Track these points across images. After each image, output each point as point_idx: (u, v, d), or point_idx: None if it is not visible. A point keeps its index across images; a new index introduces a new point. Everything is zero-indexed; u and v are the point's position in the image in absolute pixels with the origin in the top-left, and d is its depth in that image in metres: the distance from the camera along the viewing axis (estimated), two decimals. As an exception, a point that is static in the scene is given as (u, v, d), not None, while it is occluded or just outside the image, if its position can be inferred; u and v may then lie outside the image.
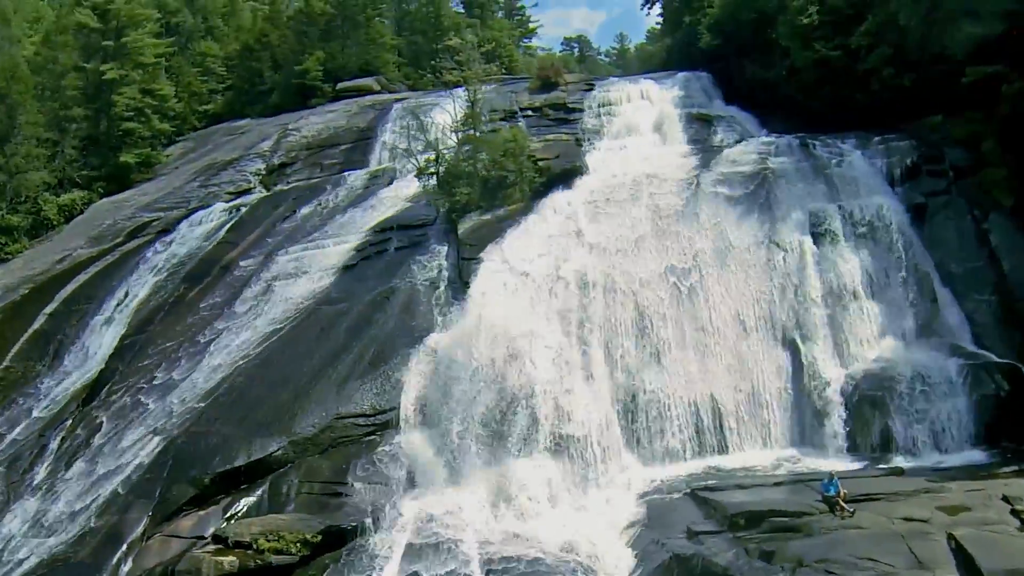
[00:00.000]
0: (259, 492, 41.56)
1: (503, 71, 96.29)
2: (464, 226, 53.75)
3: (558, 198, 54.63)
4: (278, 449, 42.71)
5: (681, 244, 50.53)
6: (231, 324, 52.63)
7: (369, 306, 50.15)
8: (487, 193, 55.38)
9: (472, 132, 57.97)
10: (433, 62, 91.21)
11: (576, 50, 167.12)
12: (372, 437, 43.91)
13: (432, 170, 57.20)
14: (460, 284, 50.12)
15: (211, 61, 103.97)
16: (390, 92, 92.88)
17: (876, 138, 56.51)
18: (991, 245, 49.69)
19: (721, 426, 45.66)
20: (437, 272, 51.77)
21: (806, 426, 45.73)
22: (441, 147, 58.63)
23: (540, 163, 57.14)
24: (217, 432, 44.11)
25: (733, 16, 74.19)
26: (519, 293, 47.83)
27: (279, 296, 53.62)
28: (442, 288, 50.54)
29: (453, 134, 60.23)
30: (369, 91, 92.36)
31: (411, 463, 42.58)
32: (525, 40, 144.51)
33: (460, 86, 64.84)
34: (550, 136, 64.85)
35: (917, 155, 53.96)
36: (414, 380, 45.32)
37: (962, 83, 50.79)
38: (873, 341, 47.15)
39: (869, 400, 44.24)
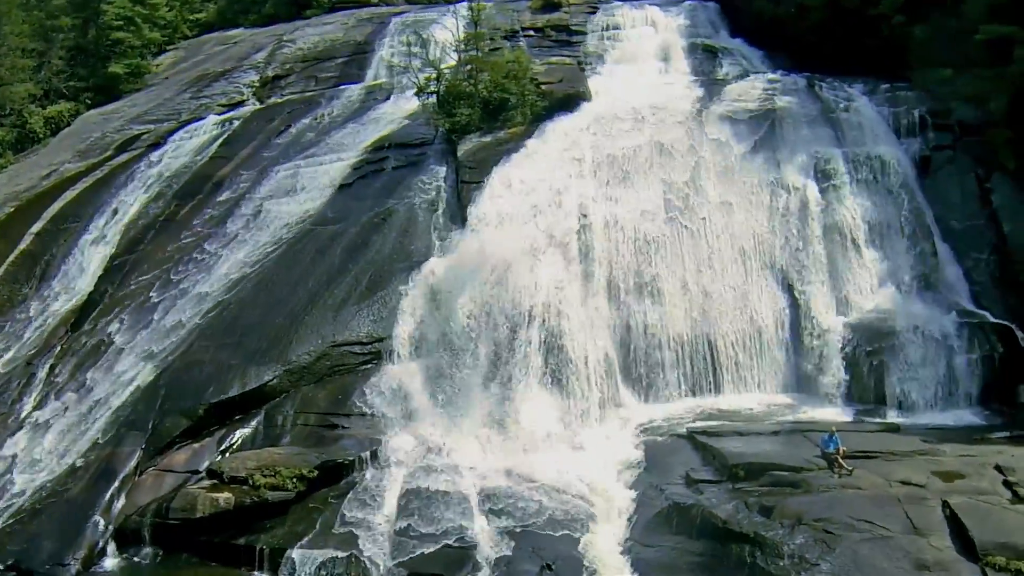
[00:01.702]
0: (254, 423, 41.17)
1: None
2: (464, 148, 52.82)
3: (560, 124, 53.79)
4: (273, 378, 42.14)
5: (683, 179, 49.90)
6: (224, 244, 51.66)
7: (366, 228, 49.36)
8: (488, 115, 54.51)
9: (474, 53, 56.77)
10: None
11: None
12: (368, 366, 43.31)
13: (432, 89, 56.20)
14: (459, 208, 49.36)
15: None
16: (388, 4, 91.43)
17: (884, 86, 56.12)
18: (993, 205, 49.49)
19: (718, 366, 45.57)
20: (435, 194, 50.91)
21: (802, 372, 45.66)
22: (442, 66, 57.60)
23: (543, 87, 56.30)
24: (211, 359, 43.39)
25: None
26: (519, 220, 47.16)
27: (273, 215, 52.65)
28: (441, 211, 49.73)
29: (454, 52, 59.28)
30: (367, 3, 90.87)
31: (407, 394, 42.10)
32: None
33: (461, 0, 63.68)
34: (552, 59, 64.12)
35: (925, 108, 53.36)
36: (411, 307, 44.73)
37: (975, 40, 49.90)
38: (872, 291, 47.06)
39: (866, 352, 44.13)
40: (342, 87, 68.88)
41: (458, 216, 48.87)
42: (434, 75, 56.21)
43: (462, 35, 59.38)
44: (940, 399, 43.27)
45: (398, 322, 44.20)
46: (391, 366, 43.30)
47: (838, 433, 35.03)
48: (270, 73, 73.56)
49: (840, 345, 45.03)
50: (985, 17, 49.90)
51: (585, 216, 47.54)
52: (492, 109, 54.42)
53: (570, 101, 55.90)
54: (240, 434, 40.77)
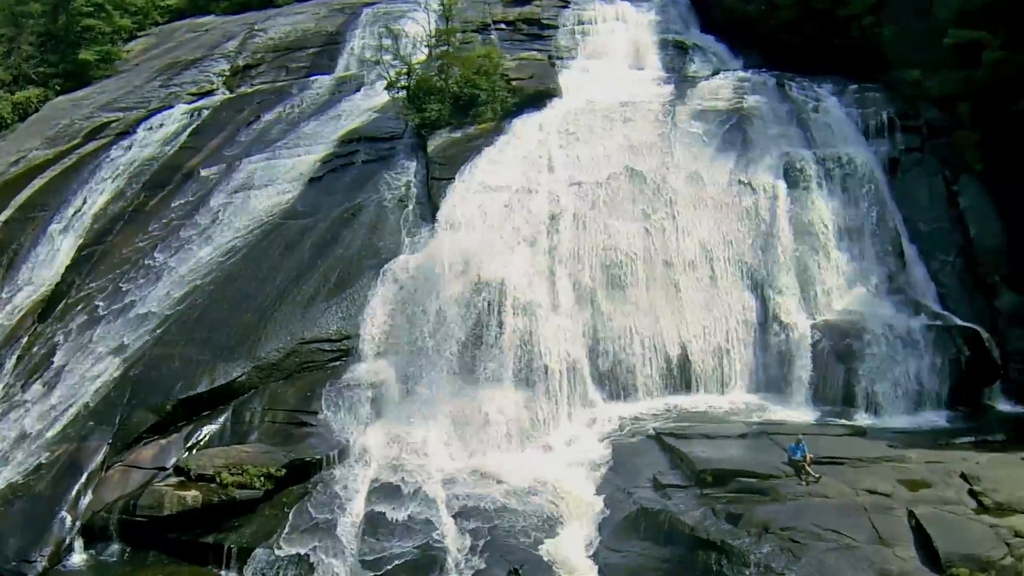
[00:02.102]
0: (221, 419, 41.09)
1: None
2: (434, 143, 52.73)
3: (530, 121, 53.88)
4: (241, 375, 42.11)
5: (653, 178, 49.99)
6: (193, 236, 51.30)
7: (336, 223, 49.26)
8: (458, 110, 54.40)
9: (446, 48, 56.61)
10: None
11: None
12: (337, 363, 43.32)
13: (403, 83, 55.91)
14: (428, 205, 49.33)
15: None
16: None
17: (853, 86, 56.45)
18: (960, 207, 50.09)
19: (685, 366, 45.63)
20: (405, 190, 50.79)
21: (770, 373, 45.90)
22: (412, 60, 57.50)
23: (513, 83, 56.26)
24: (179, 355, 43.29)
25: (719, -56, 72.96)
26: (489, 219, 47.29)
27: (243, 207, 52.40)
28: (410, 207, 49.63)
29: (425, 47, 59.34)
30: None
31: (376, 392, 42.10)
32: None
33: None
34: (523, 54, 63.71)
35: (893, 109, 53.85)
36: (380, 304, 44.72)
37: (944, 43, 50.13)
38: (840, 292, 47.46)
39: (834, 353, 44.46)
40: (312, 78, 68.40)
41: (427, 213, 48.78)
42: (405, 70, 55.77)
43: (433, 30, 59.04)
44: (907, 401, 43.65)
45: (367, 320, 44.18)
46: (360, 364, 43.24)
47: (805, 439, 35.29)
48: (241, 62, 72.85)
49: (808, 346, 45.23)
50: (954, 20, 50.13)
51: (555, 215, 47.68)
52: (462, 105, 54.28)
53: (540, 98, 56.04)
54: (208, 430, 40.68)
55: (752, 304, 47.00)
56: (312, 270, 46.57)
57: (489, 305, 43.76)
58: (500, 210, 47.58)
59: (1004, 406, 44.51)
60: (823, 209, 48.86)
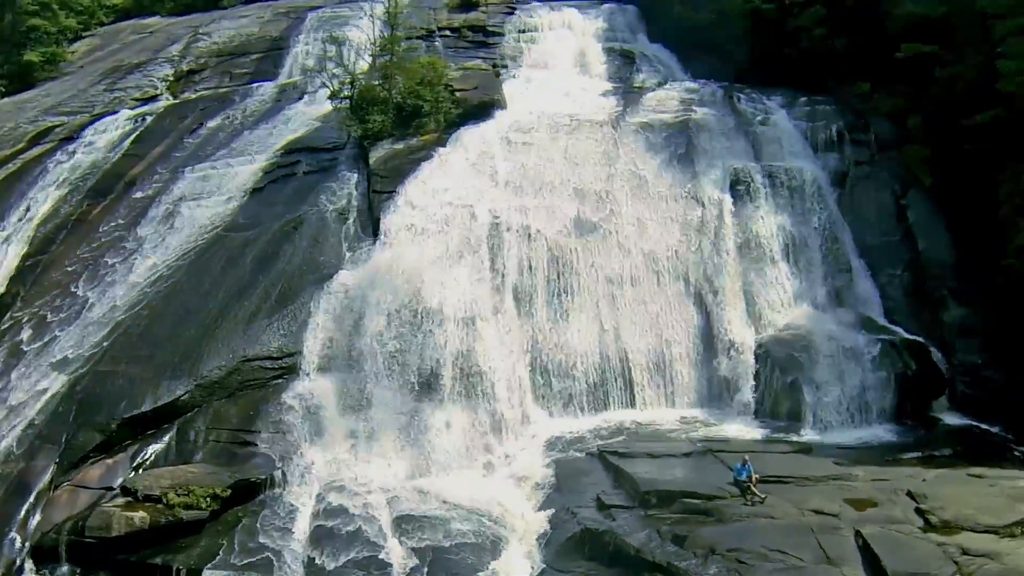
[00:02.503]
0: (166, 438, 40.45)
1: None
2: (375, 155, 52.24)
3: (474, 132, 53.41)
4: (185, 393, 41.50)
5: (598, 190, 49.82)
6: (136, 247, 50.67)
7: (277, 236, 48.62)
8: (401, 121, 53.98)
9: (390, 58, 55.98)
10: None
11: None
12: (279, 381, 42.78)
13: (346, 94, 55.30)
14: (370, 218, 48.80)
15: None
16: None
17: (802, 98, 56.56)
18: (908, 221, 50.19)
19: (629, 380, 45.32)
20: (347, 202, 50.14)
21: (714, 388, 45.74)
22: (356, 70, 56.97)
23: (457, 93, 55.90)
24: (123, 372, 42.69)
25: (667, -47, 72.85)
26: (430, 232, 46.93)
27: (185, 218, 51.73)
28: (351, 220, 48.99)
29: (369, 56, 58.88)
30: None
31: (319, 410, 41.57)
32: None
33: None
34: (468, 63, 63.55)
35: (842, 122, 54.01)
36: (321, 321, 44.12)
37: (896, 57, 50.46)
38: (786, 306, 47.41)
39: (780, 368, 44.33)
40: (256, 84, 67.84)
41: (369, 226, 48.35)
42: (348, 79, 55.21)
43: (377, 38, 58.53)
44: (853, 416, 43.52)
45: (309, 336, 43.61)
46: (302, 381, 42.72)
47: (751, 457, 35.09)
48: (184, 67, 72.16)
49: (753, 361, 45.16)
50: (906, 34, 50.04)
51: (497, 229, 47.30)
52: (405, 116, 53.91)
53: (484, 109, 55.60)
54: (153, 450, 40.04)
55: (697, 318, 46.84)
56: (254, 285, 45.95)
57: (430, 321, 43.36)
58: (442, 224, 47.19)
59: (951, 419, 44.40)
60: (770, 223, 48.78)
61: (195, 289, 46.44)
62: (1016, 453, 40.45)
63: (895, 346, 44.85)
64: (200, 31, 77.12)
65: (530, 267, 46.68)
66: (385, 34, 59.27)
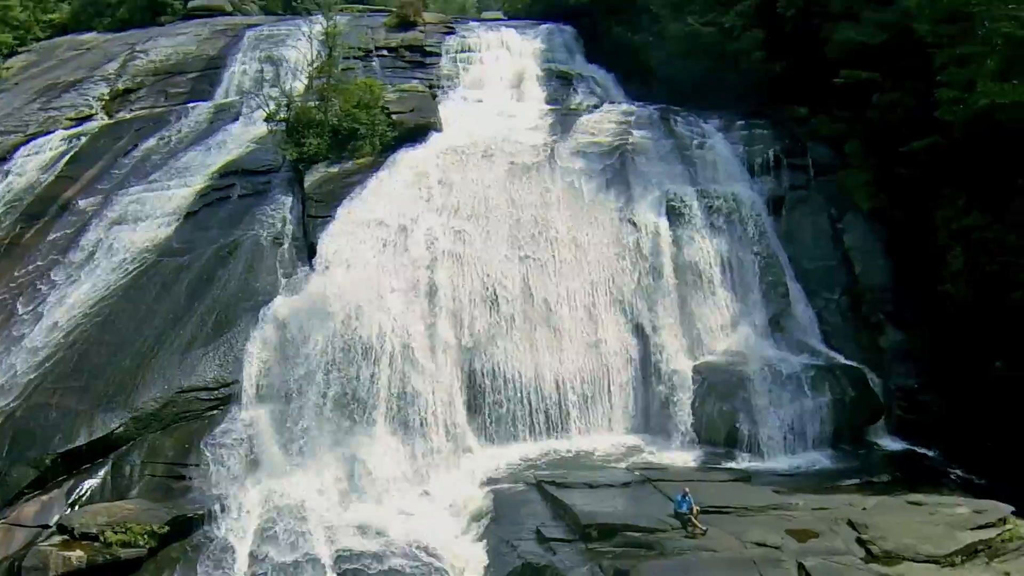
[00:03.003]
0: (101, 473, 39.54)
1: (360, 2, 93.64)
2: (310, 178, 51.61)
3: (410, 156, 52.92)
4: (119, 426, 40.60)
5: (534, 215, 49.71)
6: (70, 273, 49.63)
7: (212, 261, 47.86)
8: (336, 144, 53.32)
9: (327, 80, 55.47)
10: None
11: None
12: (214, 412, 42.02)
13: (282, 116, 54.51)
14: (305, 243, 48.22)
15: None
16: (243, 14, 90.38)
17: (740, 122, 56.99)
18: (845, 246, 50.71)
19: (567, 407, 45.34)
20: (281, 226, 49.43)
21: (652, 414, 45.95)
22: (293, 92, 56.15)
23: (394, 116, 55.34)
24: (57, 404, 41.60)
25: (607, -27, 72.93)
26: (366, 259, 46.39)
27: (119, 243, 50.66)
28: (286, 246, 48.32)
29: (305, 76, 58.42)
30: (221, 11, 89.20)
31: (255, 442, 40.97)
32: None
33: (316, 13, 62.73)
34: (405, 84, 62.98)
35: (779, 146, 54.58)
36: (257, 351, 43.36)
37: (834, 83, 50.71)
38: (724, 331, 47.77)
39: (717, 395, 44.60)
40: (192, 104, 66.69)
41: (304, 251, 47.76)
42: (284, 102, 54.46)
43: (314, 57, 58.11)
44: (791, 442, 43.84)
45: (244, 367, 42.83)
46: (239, 413, 41.98)
47: (690, 487, 35.17)
48: (120, 86, 70.89)
49: (690, 387, 45.30)
50: (844, 60, 50.48)
51: (433, 255, 46.97)
52: (341, 138, 53.27)
53: (421, 131, 55.12)
54: (89, 485, 39.10)
55: (634, 344, 46.96)
56: (189, 313, 45.20)
57: (366, 349, 42.96)
58: (377, 250, 46.76)
59: (888, 443, 45.15)
60: (706, 248, 49.07)
61: (130, 317, 45.58)
62: (952, 477, 41.07)
63: (832, 372, 45.25)
64: (137, 49, 75.84)
65: (466, 293, 46.31)
66: (323, 54, 58.56)
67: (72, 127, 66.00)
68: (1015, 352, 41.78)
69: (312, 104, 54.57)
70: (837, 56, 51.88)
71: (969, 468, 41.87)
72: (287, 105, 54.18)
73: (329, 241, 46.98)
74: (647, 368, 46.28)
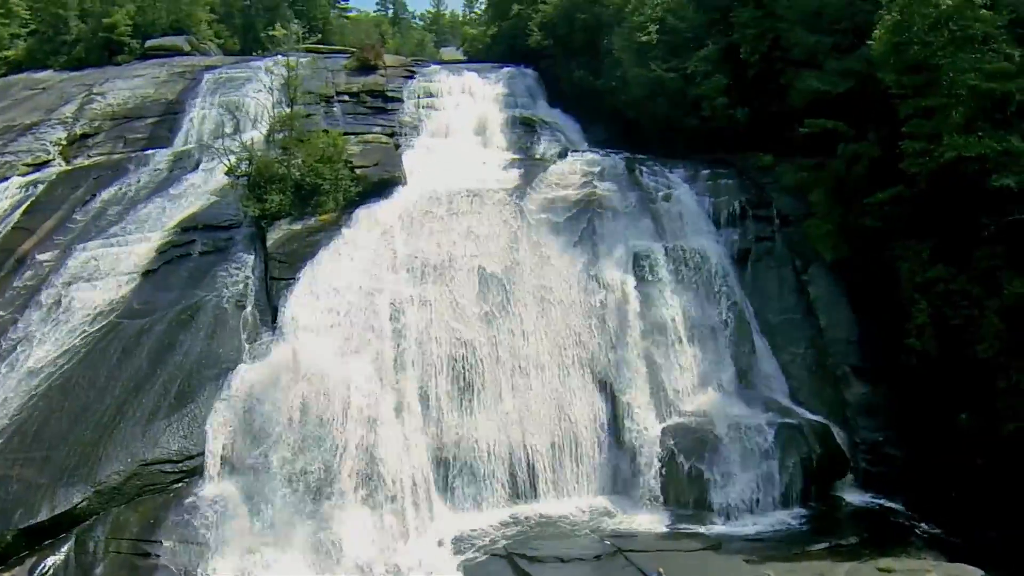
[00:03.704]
0: (64, 549, 38.75)
1: (316, 37, 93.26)
2: (273, 236, 50.88)
3: (373, 212, 52.47)
4: (82, 500, 39.85)
5: (500, 277, 49.55)
6: (28, 334, 48.66)
7: (173, 325, 47.12)
8: (299, 199, 52.64)
9: (289, 133, 54.94)
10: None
11: (391, 11, 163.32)
12: (180, 485, 41.40)
13: (243, 171, 53.88)
14: (268, 307, 47.61)
15: (14, 3, 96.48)
16: (201, 54, 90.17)
17: (704, 171, 57.04)
18: (810, 297, 50.74)
19: (535, 471, 45.17)
20: (244, 286, 48.71)
21: (621, 476, 45.83)
22: (253, 143, 55.64)
23: (357, 170, 54.79)
24: (18, 476, 40.84)
25: (567, 17, 72.90)
26: (330, 324, 45.96)
27: (78, 302, 49.73)
28: (249, 309, 47.52)
29: (266, 127, 58.10)
30: (179, 51, 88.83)
31: (223, 517, 40.21)
32: (341, 1, 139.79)
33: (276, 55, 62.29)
34: (368, 136, 62.55)
35: (745, 197, 54.55)
36: (222, 421, 42.69)
37: (798, 132, 50.63)
38: (691, 390, 47.80)
39: (686, 457, 44.47)
40: (150, 151, 65.89)
41: (268, 315, 47.12)
42: (246, 156, 53.85)
43: (274, 106, 57.63)
44: (759, 502, 43.84)
45: (209, 438, 42.12)
46: (204, 486, 41.31)
47: (661, 558, 36.04)
48: (78, 130, 69.81)
49: (658, 450, 45.12)
50: (809, 108, 50.58)
51: (399, 321, 46.56)
52: (304, 194, 52.61)
53: (385, 186, 54.76)
54: (52, 562, 38.35)
55: (602, 405, 46.93)
56: (151, 380, 44.46)
57: (332, 420, 42.36)
58: (342, 316, 46.21)
59: (854, 497, 45.35)
60: (673, 304, 49.19)
61: (91, 383, 44.76)
62: (919, 532, 41.25)
63: (799, 430, 45.35)
64: (94, 91, 74.95)
65: (432, 357, 46.14)
66: (283, 101, 58.06)
67: (29, 173, 64.97)
68: (979, 404, 41.97)
69: (274, 158, 53.84)
70: (801, 105, 51.70)
71: (935, 520, 42.19)
72: (248, 160, 53.42)
73: (292, 306, 46.34)
74: (616, 430, 46.30)
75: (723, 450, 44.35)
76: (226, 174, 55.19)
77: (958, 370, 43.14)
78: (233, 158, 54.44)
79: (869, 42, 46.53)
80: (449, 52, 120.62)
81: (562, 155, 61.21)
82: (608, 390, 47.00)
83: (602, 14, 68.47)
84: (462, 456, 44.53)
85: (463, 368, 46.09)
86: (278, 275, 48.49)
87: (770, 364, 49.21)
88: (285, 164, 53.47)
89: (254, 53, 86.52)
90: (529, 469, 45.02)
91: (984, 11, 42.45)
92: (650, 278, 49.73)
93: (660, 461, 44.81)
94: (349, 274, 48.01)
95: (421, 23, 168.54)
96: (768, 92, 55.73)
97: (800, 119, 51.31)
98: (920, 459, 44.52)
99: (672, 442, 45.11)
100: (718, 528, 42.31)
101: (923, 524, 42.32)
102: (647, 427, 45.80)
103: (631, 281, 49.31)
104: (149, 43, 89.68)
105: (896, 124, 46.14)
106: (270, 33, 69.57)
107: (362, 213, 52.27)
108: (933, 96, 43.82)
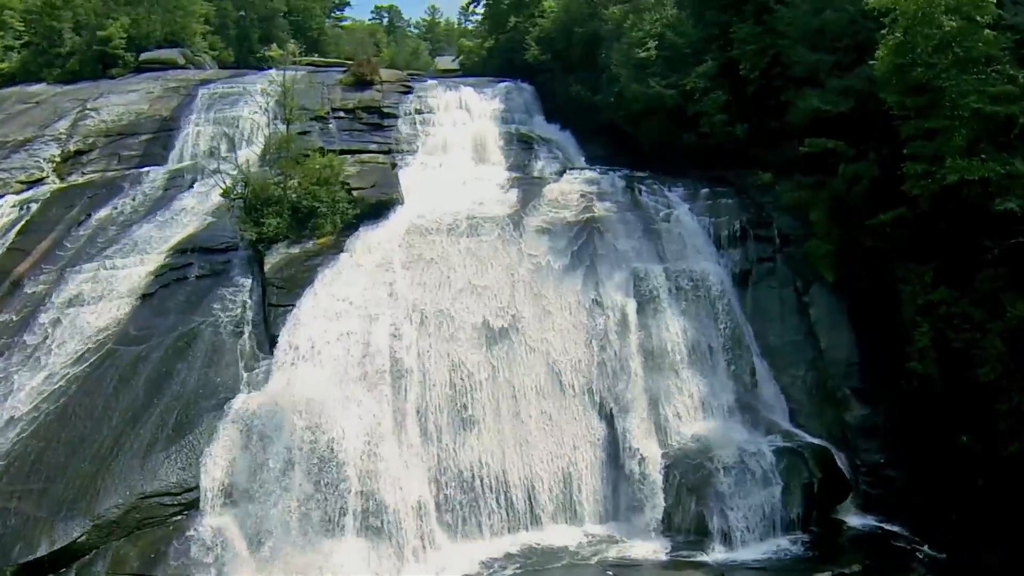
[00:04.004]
0: (64, 586, 38.34)
1: (312, 48, 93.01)
2: (271, 261, 50.59)
3: (372, 235, 52.23)
4: (82, 534, 39.42)
5: (501, 301, 49.08)
6: (24, 360, 48.23)
7: (170, 353, 46.71)
8: (296, 222, 52.40)
9: (285, 156, 54.54)
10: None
11: (386, 19, 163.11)
12: (179, 518, 40.97)
13: (239, 193, 53.54)
14: (266, 334, 47.35)
15: (8, 15, 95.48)
16: (196, 66, 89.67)
17: (704, 189, 56.74)
18: (811, 319, 50.24)
19: (535, 499, 44.88)
20: (241, 311, 48.43)
21: (621, 503, 45.43)
22: (248, 166, 55.51)
23: (354, 192, 54.58)
24: (16, 509, 40.42)
25: (565, 32, 72.68)
26: (328, 353, 45.65)
27: (74, 327, 49.32)
28: (247, 335, 47.30)
29: (262, 147, 57.73)
30: (173, 64, 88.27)
31: (224, 549, 39.89)
32: (336, 11, 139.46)
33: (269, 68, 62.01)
34: (365, 156, 62.15)
35: (745, 217, 53.99)
36: (221, 453, 42.36)
37: (799, 151, 50.24)
38: (691, 415, 47.22)
39: (687, 483, 44.11)
40: (145, 169, 65.45)
41: (265, 343, 46.84)
42: (242, 178, 53.55)
43: (270, 124, 57.16)
44: (760, 529, 43.40)
45: (208, 469, 41.85)
46: (205, 518, 40.93)
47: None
48: (72, 147, 69.23)
49: (659, 475, 44.90)
50: (810, 126, 50.21)
51: (398, 348, 46.27)
52: (301, 216, 52.38)
53: (382, 208, 54.43)
54: (54, 599, 37.92)
55: (602, 431, 46.56)
56: (148, 410, 44.13)
57: (331, 449, 42.22)
58: (340, 343, 45.92)
59: (855, 520, 45.05)
60: (674, 327, 48.59)
61: (88, 413, 44.38)
62: (920, 556, 41.17)
63: (800, 455, 44.97)
64: (88, 106, 74.36)
65: (432, 385, 45.88)
66: (279, 117, 57.91)
67: (23, 191, 64.62)
68: (979, 426, 41.60)
69: (270, 180, 53.50)
70: (801, 123, 51.27)
71: (937, 544, 41.98)
72: (244, 182, 53.09)
73: (291, 333, 46.15)
74: (616, 456, 45.88)
75: (724, 476, 43.98)
76: (222, 195, 54.87)
77: (959, 392, 42.74)
78: (228, 180, 54.02)
79: (872, 62, 45.88)
80: (444, 61, 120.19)
81: (560, 173, 61.22)
82: (608, 416, 46.72)
83: (600, 28, 67.78)
84: (462, 486, 44.25)
85: (463, 397, 45.86)
86: (276, 301, 48.24)
87: (770, 387, 48.89)
88: (281, 186, 53.08)
89: (249, 64, 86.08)
90: (530, 496, 44.69)
91: (988, 32, 41.95)
92: (651, 301, 49.33)
93: (661, 488, 44.59)
94: (347, 302, 47.74)
95: (416, 31, 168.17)
96: (768, 108, 55.06)
97: (800, 136, 50.78)
98: (921, 481, 44.29)
99: (673, 468, 44.86)
100: (720, 555, 42.03)
101: (925, 547, 42.09)
102: (647, 453, 45.37)
103: (632, 304, 48.96)
104: (144, 56, 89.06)
105: (896, 143, 45.50)
106: (267, 53, 69.26)
107: (360, 236, 52.12)
108: (935, 118, 43.17)
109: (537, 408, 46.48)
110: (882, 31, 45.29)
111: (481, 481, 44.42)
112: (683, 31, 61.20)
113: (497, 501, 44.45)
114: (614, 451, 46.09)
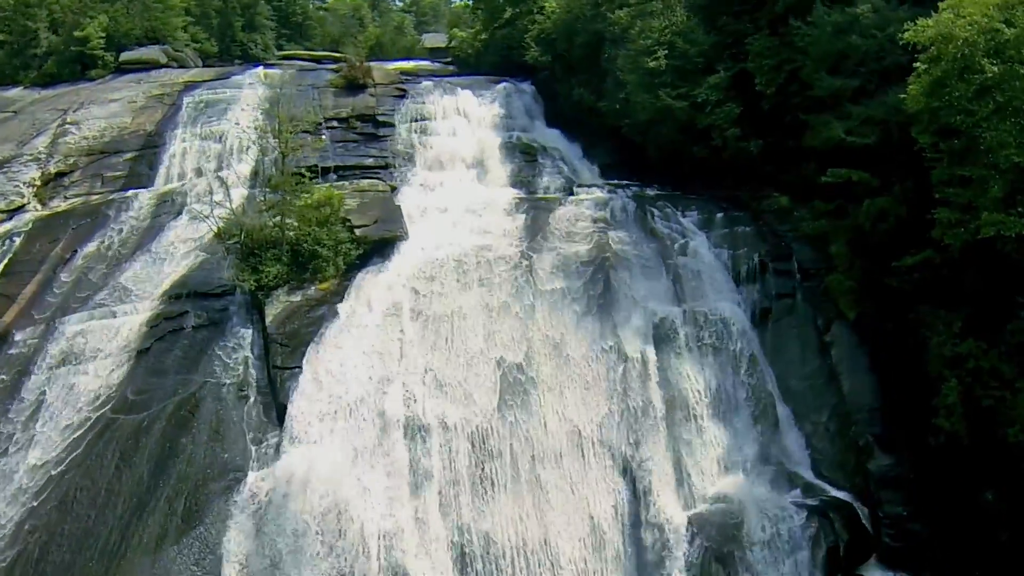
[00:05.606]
0: None
1: (297, 33, 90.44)
2: (271, 311, 48.56)
3: (377, 279, 50.48)
4: (94, 648, 37.79)
5: (516, 358, 47.41)
6: (17, 433, 46.11)
7: (173, 423, 44.71)
8: (296, 265, 50.46)
9: (283, 196, 52.27)
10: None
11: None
12: (197, 618, 39.32)
13: (234, 236, 51.39)
14: (272, 399, 45.50)
15: None
16: (179, 64, 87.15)
17: (719, 215, 54.93)
18: (832, 360, 48.33)
19: (558, 566, 43.10)
20: (243, 370, 46.56)
21: (645, 568, 43.75)
22: (241, 208, 53.66)
23: (356, 231, 52.54)
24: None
25: (568, 32, 70.19)
26: (341, 423, 44.16)
27: (66, 394, 46.99)
28: (252, 400, 45.38)
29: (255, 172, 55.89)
30: (155, 64, 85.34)
31: (243, 649, 38.35)
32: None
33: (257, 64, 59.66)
34: (364, 184, 60.06)
35: (764, 249, 52.06)
36: (235, 545, 40.87)
37: (818, 177, 48.46)
38: (715, 472, 45.73)
39: (713, 551, 42.76)
40: (130, 192, 62.79)
41: (272, 408, 45.14)
42: (234, 221, 51.72)
43: (266, 175, 55.31)
44: (786, 597, 41.72)
45: (224, 565, 40.44)
46: (223, 617, 39.43)
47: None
48: (52, 169, 66.13)
49: (684, 541, 43.39)
50: (830, 153, 48.32)
51: (413, 420, 44.70)
52: (302, 260, 50.51)
53: (385, 245, 52.68)
54: None
55: (624, 493, 44.85)
56: (155, 495, 42.35)
57: (348, 531, 40.93)
58: (351, 410, 44.48)
59: (877, 575, 43.68)
60: (696, 378, 47.10)
61: (91, 500, 42.57)
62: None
63: (826, 515, 43.50)
64: (68, 119, 71.15)
65: (451, 462, 44.18)
66: (267, 124, 56.82)
67: (4, 221, 61.84)
68: (1006, 483, 40.68)
69: (266, 223, 51.47)
70: (820, 145, 49.15)
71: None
72: (241, 230, 50.95)
73: (300, 401, 44.52)
74: (638, 521, 44.28)
75: (749, 540, 42.73)
76: (215, 237, 52.65)
77: (986, 449, 41.45)
78: (220, 222, 52.00)
79: (901, 96, 43.54)
80: (431, 38, 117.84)
81: (566, 191, 59.84)
82: (630, 476, 45.06)
83: (605, 31, 65.19)
84: (483, 557, 42.69)
85: (481, 464, 44.31)
86: (281, 364, 46.38)
87: (793, 435, 47.26)
88: (279, 227, 50.97)
89: (232, 54, 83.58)
90: (553, 563, 43.03)
91: (1030, 79, 39.72)
92: (670, 347, 47.71)
93: (685, 556, 43.06)
94: (355, 360, 46.20)
95: (400, 3, 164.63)
96: (784, 126, 52.89)
97: (819, 157, 48.97)
98: (944, 535, 43.02)
99: (697, 533, 43.34)
100: (744, 619, 40.58)
101: (946, 604, 40.71)
102: (671, 516, 43.92)
103: (652, 352, 47.33)
104: (124, 56, 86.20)
105: (922, 176, 43.76)
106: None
107: (366, 282, 50.36)
108: (971, 166, 41.02)
109: (557, 473, 44.72)
110: (914, 63, 42.79)
111: (502, 551, 42.82)
112: (693, 38, 58.62)
113: (520, 571, 42.87)
114: (637, 514, 44.45)
